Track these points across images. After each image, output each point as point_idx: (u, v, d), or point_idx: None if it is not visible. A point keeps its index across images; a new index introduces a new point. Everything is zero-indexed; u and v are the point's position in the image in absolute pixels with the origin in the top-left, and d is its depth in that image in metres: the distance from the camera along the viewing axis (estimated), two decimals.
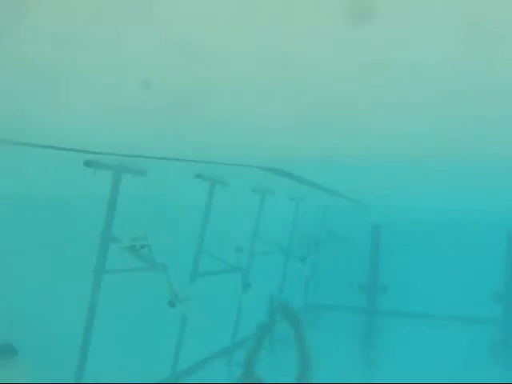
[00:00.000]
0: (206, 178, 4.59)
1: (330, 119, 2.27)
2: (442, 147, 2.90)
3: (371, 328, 8.29)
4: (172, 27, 1.31)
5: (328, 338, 7.78)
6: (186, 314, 4.54)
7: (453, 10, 1.20)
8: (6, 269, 3.54)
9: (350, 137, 2.69)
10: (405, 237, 7.54)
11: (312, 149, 3.07)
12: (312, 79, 1.72)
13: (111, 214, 3.92)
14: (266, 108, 2.10)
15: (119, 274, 3.99)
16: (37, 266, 3.72)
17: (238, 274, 5.61)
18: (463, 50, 1.40)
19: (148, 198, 4.35)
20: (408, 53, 1.46)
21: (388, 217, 7.43)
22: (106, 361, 4.09)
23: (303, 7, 1.21)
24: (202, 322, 4.74)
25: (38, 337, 3.59)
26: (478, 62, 1.52)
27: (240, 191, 5.36)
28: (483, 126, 2.30)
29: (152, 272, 4.14)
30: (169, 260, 4.20)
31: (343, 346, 7.75)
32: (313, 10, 1.21)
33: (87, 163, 3.45)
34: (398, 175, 4.19)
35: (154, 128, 2.49)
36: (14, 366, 3.57)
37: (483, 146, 2.81)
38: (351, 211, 7.26)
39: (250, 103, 2.05)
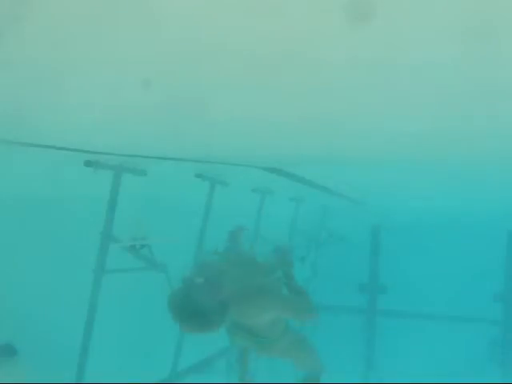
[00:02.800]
0: (206, 178, 4.59)
1: (330, 119, 2.27)
2: (442, 147, 2.90)
3: (371, 328, 8.29)
4: (172, 26, 1.31)
5: (328, 338, 7.77)
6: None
7: (453, 9, 1.20)
8: (6, 269, 3.54)
9: (349, 137, 2.69)
10: (405, 237, 7.53)
11: (312, 149, 3.06)
12: (312, 79, 1.72)
13: (111, 214, 3.92)
14: (266, 108, 2.10)
15: (119, 273, 4.00)
16: (37, 265, 3.72)
17: None
18: (464, 49, 1.40)
19: (148, 198, 4.35)
20: (408, 52, 1.46)
21: (388, 217, 7.43)
22: (106, 361, 4.09)
23: (304, 7, 1.21)
24: None
25: (38, 337, 3.59)
26: (479, 61, 1.52)
27: (240, 191, 5.36)
28: (483, 125, 2.30)
29: (152, 272, 4.14)
30: (169, 260, 4.20)
31: (343, 346, 7.75)
32: (313, 9, 1.21)
33: (87, 163, 3.45)
34: (398, 175, 4.19)
35: (154, 128, 2.49)
36: (13, 366, 3.57)
37: (483, 146, 2.81)
38: (351, 211, 7.25)
39: (250, 103, 2.05)
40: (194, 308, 2.89)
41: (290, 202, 6.88)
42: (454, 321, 7.77)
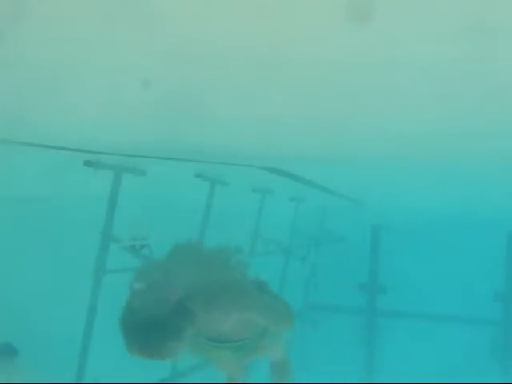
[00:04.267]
0: (206, 178, 4.59)
1: (330, 119, 2.27)
2: (442, 147, 2.90)
3: (371, 328, 8.29)
4: (172, 26, 1.31)
5: (328, 338, 7.77)
6: None
7: (453, 9, 1.20)
8: (6, 269, 3.54)
9: (350, 137, 2.69)
10: (405, 237, 7.53)
11: (312, 149, 3.07)
12: (312, 79, 1.72)
13: (111, 214, 3.92)
14: (266, 108, 2.10)
15: (119, 273, 3.99)
16: (37, 266, 3.72)
17: None
18: (464, 49, 1.40)
19: (148, 198, 4.35)
20: (408, 52, 1.46)
21: (388, 217, 7.43)
22: (106, 361, 4.09)
23: (304, 7, 1.21)
24: None
25: (38, 337, 3.59)
26: (479, 61, 1.52)
27: (240, 191, 5.35)
28: (483, 125, 2.30)
29: None
30: None
31: (343, 346, 7.75)
32: (313, 9, 1.21)
33: (87, 163, 3.45)
34: (398, 175, 4.19)
35: (154, 128, 2.49)
36: (13, 366, 3.57)
37: (483, 146, 2.82)
38: (351, 211, 7.25)
39: (250, 103, 2.05)
40: (143, 322, 2.22)
41: (290, 202, 6.88)
42: (454, 321, 7.77)
